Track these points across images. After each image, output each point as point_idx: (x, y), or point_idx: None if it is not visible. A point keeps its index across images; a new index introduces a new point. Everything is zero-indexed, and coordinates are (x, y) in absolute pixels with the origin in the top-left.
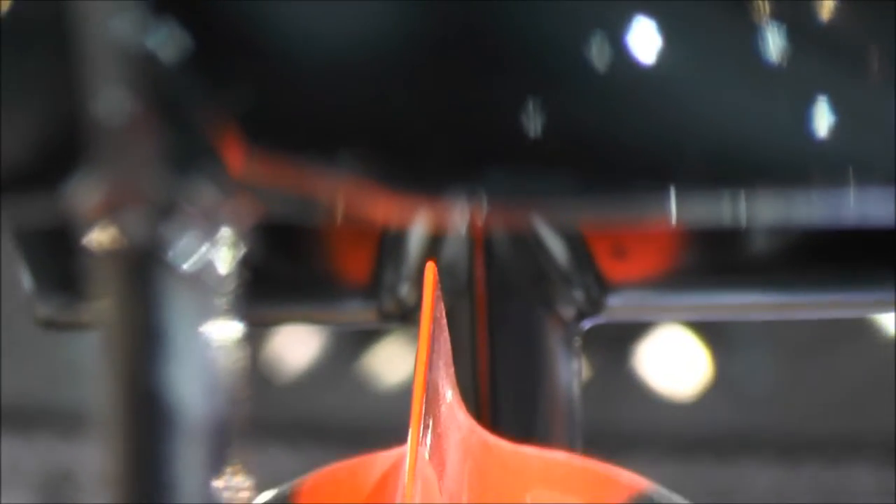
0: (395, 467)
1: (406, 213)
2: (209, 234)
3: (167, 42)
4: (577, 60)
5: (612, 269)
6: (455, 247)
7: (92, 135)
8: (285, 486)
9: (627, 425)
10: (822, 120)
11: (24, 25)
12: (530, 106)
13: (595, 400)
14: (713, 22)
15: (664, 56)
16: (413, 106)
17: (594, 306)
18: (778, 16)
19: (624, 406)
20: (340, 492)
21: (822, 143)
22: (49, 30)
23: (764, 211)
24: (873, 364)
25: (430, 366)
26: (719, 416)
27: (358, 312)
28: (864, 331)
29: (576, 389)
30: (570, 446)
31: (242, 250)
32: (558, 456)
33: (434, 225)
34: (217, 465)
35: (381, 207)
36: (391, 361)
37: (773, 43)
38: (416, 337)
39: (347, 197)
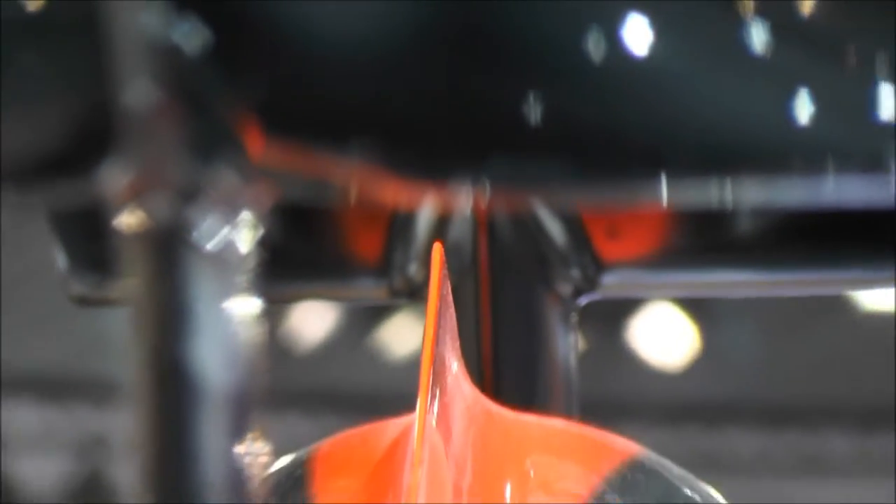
0: (405, 433)
1: (414, 197)
2: (230, 216)
3: (191, 36)
4: (575, 54)
5: (607, 249)
6: (460, 228)
7: (121, 123)
8: (302, 452)
9: (620, 395)
10: (803, 109)
11: (58, 21)
12: (530, 97)
13: (590, 371)
14: (701, 18)
15: (656, 50)
16: (421, 97)
17: (590, 284)
18: (762, 12)
19: (617, 377)
20: (354, 456)
21: (802, 131)
22: (81, 26)
23: (749, 194)
24: (849, 338)
25: (437, 340)
26: (706, 386)
27: (369, 290)
28: (841, 307)
29: (572, 361)
30: (567, 414)
31: (261, 231)
32: (556, 423)
33: (441, 208)
34: (238, 432)
35: (391, 192)
36: (400, 335)
37: (758, 37)
38: (423, 313)
39: (360, 182)
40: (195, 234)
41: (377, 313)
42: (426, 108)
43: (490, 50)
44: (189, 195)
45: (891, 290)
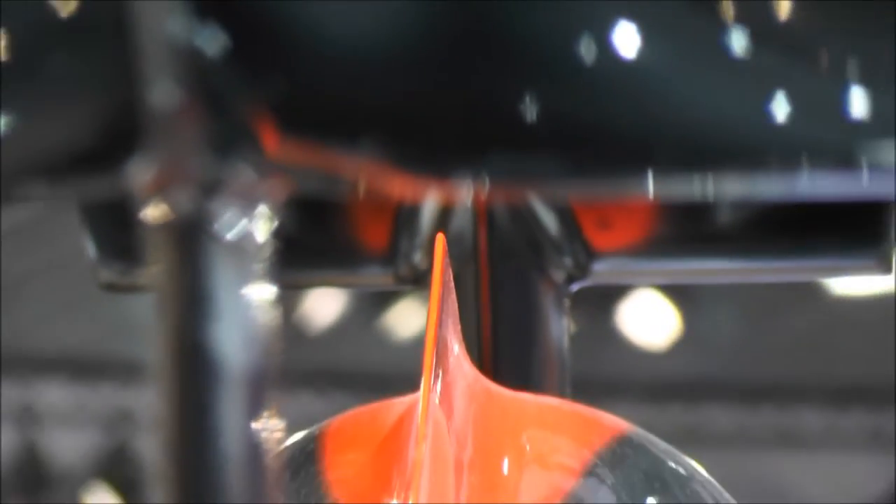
0: (410, 411)
1: (419, 191)
2: (248, 208)
3: (211, 41)
4: (568, 58)
5: (598, 238)
6: (461, 220)
7: (147, 122)
8: (314, 428)
9: (609, 374)
10: (780, 109)
11: (88, 27)
12: (526, 98)
13: (581, 352)
14: (685, 23)
15: (643, 53)
16: (425, 98)
17: (582, 271)
18: (742, 17)
19: (606, 358)
20: (362, 432)
21: (779, 129)
22: (110, 31)
23: (729, 188)
24: (822, 321)
25: (440, 323)
26: (688, 366)
27: (377, 276)
28: (814, 292)
29: (565, 343)
30: (560, 393)
31: (276, 223)
32: (550, 401)
33: (443, 201)
34: (255, 409)
35: (398, 185)
36: (406, 319)
37: (738, 42)
38: (427, 298)
39: (368, 176)
40: (215, 225)
41: (384, 299)
42: (430, 108)
43: (489, 55)
44: (210, 189)
45: (861, 277)
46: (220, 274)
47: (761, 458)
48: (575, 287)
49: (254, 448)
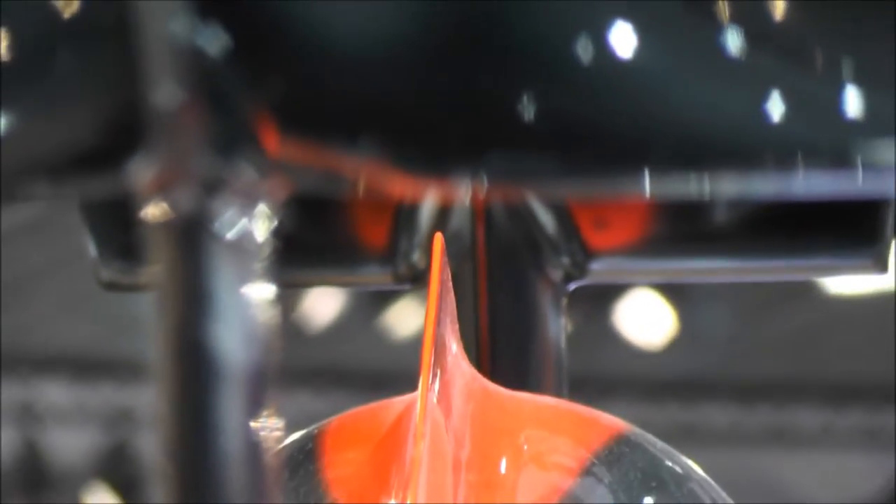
0: (408, 410)
1: (418, 190)
2: (249, 207)
3: (213, 41)
4: (565, 59)
5: (595, 238)
6: (460, 219)
7: (148, 121)
8: (312, 427)
9: (606, 373)
10: (775, 108)
11: (91, 28)
12: (524, 99)
13: (579, 351)
14: (682, 24)
15: (640, 53)
16: (424, 99)
17: (579, 270)
18: (737, 18)
19: (603, 356)
20: (360, 431)
21: (774, 128)
22: (112, 32)
23: (725, 187)
24: (816, 320)
25: (438, 322)
26: (684, 365)
27: (376, 275)
28: (809, 291)
29: (562, 342)
30: (557, 392)
31: (276, 222)
32: (548, 400)
33: (442, 200)
34: (254, 408)
35: (397, 185)
36: (404, 318)
37: (733, 42)
38: (426, 297)
39: (367, 176)
40: (216, 224)
41: (383, 298)
42: (429, 108)
43: (487, 56)
44: (210, 188)
45: (856, 277)
46: (221, 272)
47: (758, 457)
48: (572, 286)
49: (253, 446)
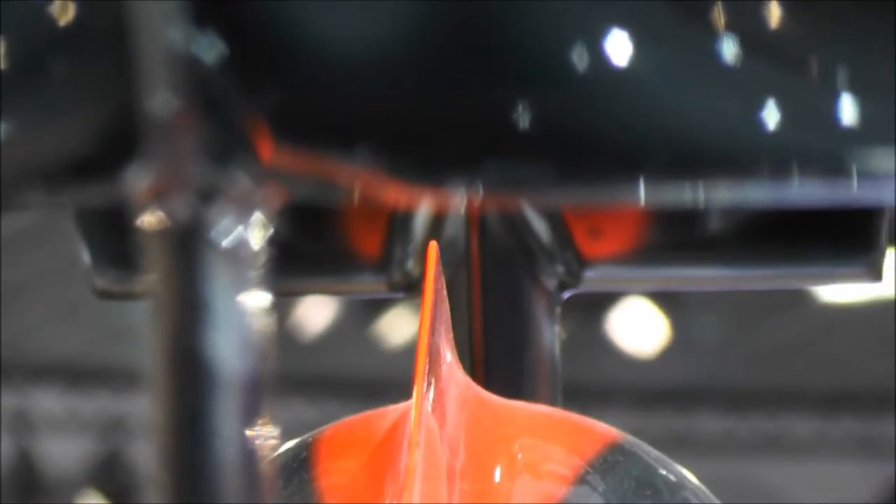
0: (403, 419)
1: (412, 199)
2: (244, 215)
3: (209, 49)
4: (560, 67)
5: (589, 246)
6: (454, 227)
7: (144, 129)
8: (307, 435)
9: (600, 381)
10: (771, 117)
11: (86, 36)
12: (518, 108)
13: (573, 360)
14: (677, 31)
15: (635, 61)
16: (419, 108)
17: (573, 279)
18: (732, 25)
19: (597, 365)
20: (355, 439)
21: (769, 136)
22: (108, 40)
23: (720, 196)
24: (809, 328)
25: (432, 331)
26: (678, 373)
27: (370, 284)
28: (802, 299)
29: (556, 350)
30: (551, 400)
31: (272, 230)
32: (542, 409)
33: (436, 208)
34: (249, 416)
35: (392, 193)
36: (398, 327)
37: (728, 51)
38: (420, 305)
39: (362, 184)
40: (211, 233)
41: (377, 306)
42: (424, 117)
43: (482, 64)
44: (206, 196)
45: (850, 285)
46: (216, 281)
47: (751, 465)
48: (566, 294)
49: (248, 455)
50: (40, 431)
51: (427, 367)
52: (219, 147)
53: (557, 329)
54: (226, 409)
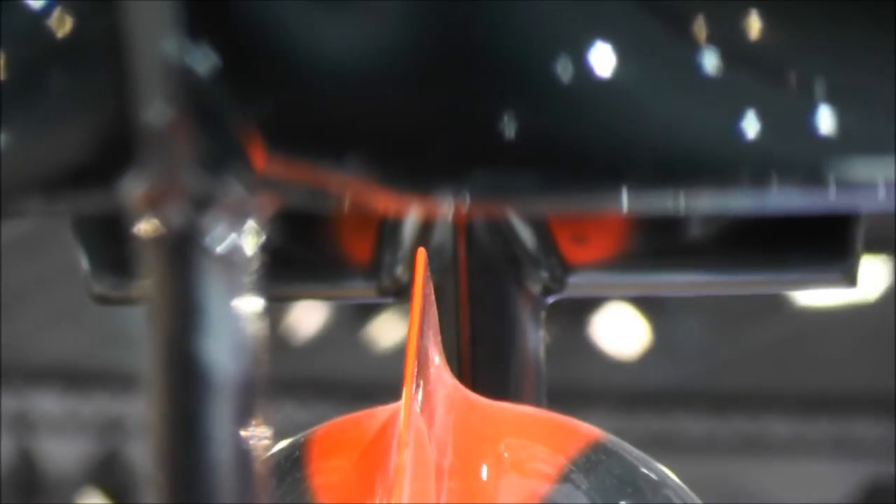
0: (392, 419)
1: (402, 206)
2: (237, 222)
3: (203, 61)
4: (545, 79)
5: (573, 253)
6: (442, 234)
7: (140, 139)
8: (299, 435)
9: (583, 383)
10: (750, 127)
11: (84, 48)
12: (504, 119)
13: (557, 362)
14: (659, 44)
15: (618, 73)
16: (408, 118)
17: (557, 284)
18: (713, 39)
19: (581, 367)
20: (346, 439)
21: (749, 146)
22: (104, 52)
23: (701, 204)
24: (787, 332)
25: (421, 334)
26: (659, 375)
27: (360, 289)
28: (781, 305)
29: (541, 354)
30: (536, 401)
31: (264, 237)
32: (527, 410)
33: (425, 216)
34: (243, 417)
35: (381, 201)
36: (388, 331)
37: (710, 62)
38: (409, 310)
39: (353, 192)
40: (206, 239)
41: (367, 311)
42: (413, 127)
43: (469, 78)
44: (200, 204)
45: (826, 291)
46: (210, 286)
47: (730, 465)
48: (550, 299)
49: (242, 455)
50: (40, 432)
51: (416, 369)
52: (212, 156)
53: (542, 333)
54: (220, 410)
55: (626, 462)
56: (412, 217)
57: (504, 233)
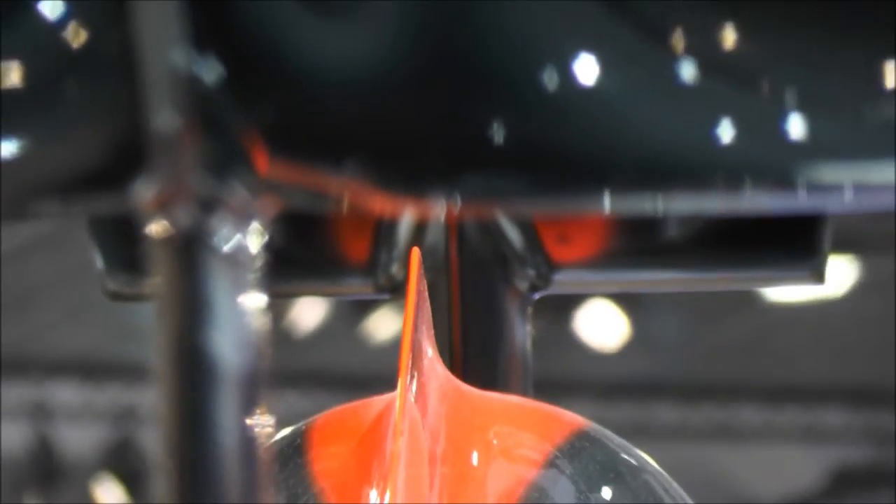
0: (388, 408)
1: (397, 208)
2: (242, 223)
3: (209, 70)
4: (532, 87)
5: (558, 252)
6: (435, 234)
7: (150, 145)
8: (301, 424)
9: (567, 375)
10: (725, 133)
11: (97, 58)
12: (495, 124)
13: (543, 355)
14: (640, 54)
15: (601, 82)
16: (403, 124)
17: (543, 281)
18: (690, 49)
19: (565, 360)
20: (345, 427)
21: (724, 151)
22: (117, 62)
23: (679, 205)
24: (757, 326)
25: (415, 329)
26: (637, 367)
27: (357, 286)
28: (752, 300)
29: (528, 347)
30: (523, 392)
31: (267, 237)
32: (515, 399)
33: (419, 217)
34: (248, 407)
35: (378, 203)
36: (384, 325)
37: (687, 72)
38: (403, 306)
39: (351, 194)
40: (212, 239)
41: (364, 307)
42: (407, 133)
43: (461, 86)
44: (207, 206)
45: (795, 287)
46: (217, 283)
47: (703, 451)
48: (537, 296)
49: (247, 442)
50: (58, 420)
51: (410, 361)
52: (218, 161)
53: (529, 327)
54: (226, 400)
55: (608, 449)
56: (407, 218)
57: (493, 233)
